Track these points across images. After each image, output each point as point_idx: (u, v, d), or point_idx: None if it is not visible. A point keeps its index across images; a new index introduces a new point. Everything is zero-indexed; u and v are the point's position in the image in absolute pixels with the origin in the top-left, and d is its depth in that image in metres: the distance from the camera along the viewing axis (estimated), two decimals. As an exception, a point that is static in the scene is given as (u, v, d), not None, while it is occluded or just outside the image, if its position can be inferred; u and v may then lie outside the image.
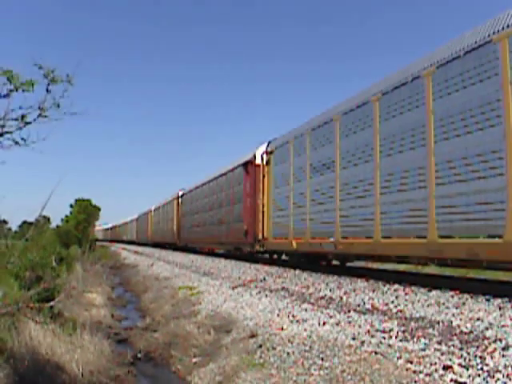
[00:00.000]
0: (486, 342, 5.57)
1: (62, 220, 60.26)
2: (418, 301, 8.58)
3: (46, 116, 5.66)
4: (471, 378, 4.55)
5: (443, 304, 8.06)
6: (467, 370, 4.75)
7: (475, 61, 8.99)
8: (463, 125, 9.17)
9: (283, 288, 11.88)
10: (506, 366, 4.68)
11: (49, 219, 47.11)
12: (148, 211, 57.89)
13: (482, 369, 4.71)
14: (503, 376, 4.47)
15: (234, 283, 13.93)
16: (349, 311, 8.30)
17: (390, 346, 5.93)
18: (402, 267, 16.72)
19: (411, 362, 5.20)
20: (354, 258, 14.57)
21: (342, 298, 9.69)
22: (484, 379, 4.48)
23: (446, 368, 4.86)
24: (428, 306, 8.07)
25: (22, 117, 5.64)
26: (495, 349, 5.24)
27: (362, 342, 6.25)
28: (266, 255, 20.95)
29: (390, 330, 6.65)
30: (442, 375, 4.73)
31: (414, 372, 4.93)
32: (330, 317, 8.01)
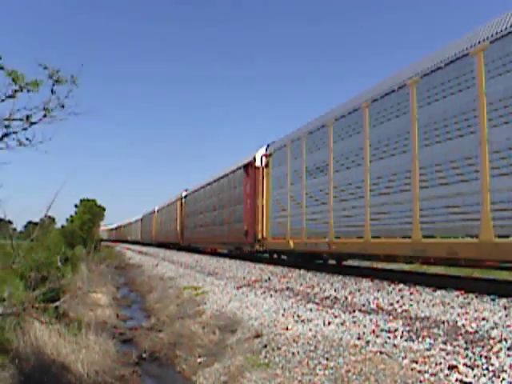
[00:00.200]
0: (491, 341, 5.56)
1: (67, 220, 60.34)
2: (423, 301, 8.56)
3: (53, 116, 5.68)
4: (476, 378, 4.54)
5: (448, 304, 8.04)
6: (472, 369, 4.75)
7: (455, 72, 9.59)
8: (444, 132, 9.75)
9: (288, 288, 11.88)
10: (511, 366, 4.67)
11: (54, 219, 47.19)
12: (152, 211, 57.98)
13: (487, 369, 4.71)
14: (509, 376, 4.47)
15: (238, 283, 13.93)
16: (354, 311, 8.29)
17: (395, 345, 5.93)
18: (406, 267, 16.70)
19: (416, 362, 5.20)
20: (347, 256, 15.24)
21: (346, 298, 9.68)
22: (489, 379, 4.48)
23: (451, 368, 4.86)
24: (433, 305, 8.06)
25: (27, 117, 5.66)
26: (500, 349, 5.23)
27: (367, 342, 6.25)
28: (266, 255, 21.38)
29: (395, 330, 6.64)
30: (447, 375, 4.72)
31: (420, 372, 4.93)
32: (335, 317, 8.00)
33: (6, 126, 5.61)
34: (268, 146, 20.08)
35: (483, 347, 5.38)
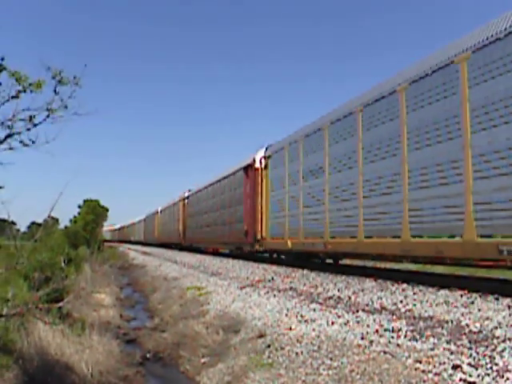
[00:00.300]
0: (495, 341, 5.55)
1: (71, 221, 60.39)
2: (427, 300, 8.55)
3: (57, 116, 5.69)
4: (480, 378, 4.53)
5: (452, 303, 8.03)
6: (476, 369, 4.74)
7: (441, 79, 10.09)
8: (431, 136, 10.25)
9: (291, 288, 11.88)
10: (515, 366, 4.67)
11: (57, 220, 47.24)
12: (155, 212, 58.18)
13: (491, 368, 4.70)
14: (513, 375, 4.46)
15: (242, 283, 13.93)
16: (357, 311, 8.29)
17: (398, 345, 5.92)
18: (410, 267, 16.69)
19: (420, 362, 5.19)
20: (342, 256, 15.77)
21: (350, 298, 9.67)
22: (493, 379, 4.47)
23: (455, 367, 4.85)
24: (437, 305, 8.05)
25: (31, 118, 5.67)
26: (505, 348, 5.22)
27: (371, 342, 6.25)
28: (266, 254, 21.83)
29: (399, 330, 6.63)
30: (451, 375, 4.72)
31: (423, 372, 4.92)
32: (339, 316, 8.00)
33: (10, 127, 5.62)
34: (267, 147, 20.59)
35: (487, 347, 5.37)
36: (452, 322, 6.76)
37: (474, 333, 6.04)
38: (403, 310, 8.01)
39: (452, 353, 5.32)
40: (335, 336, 6.87)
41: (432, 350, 5.53)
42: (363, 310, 8.29)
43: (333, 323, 7.60)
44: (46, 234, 22.73)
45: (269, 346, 7.26)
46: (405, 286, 10.58)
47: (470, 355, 5.15)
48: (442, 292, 9.31)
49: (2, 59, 5.29)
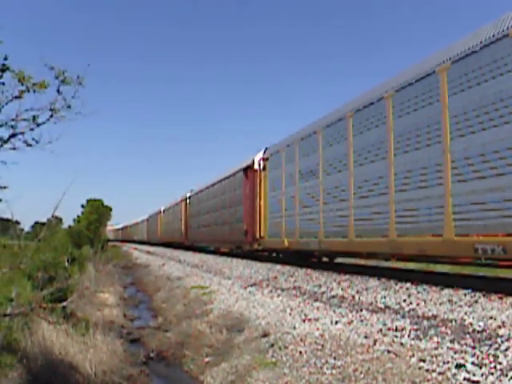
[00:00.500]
0: (498, 340, 5.54)
1: (74, 220, 60.47)
2: (430, 299, 8.54)
3: (59, 116, 5.69)
4: (484, 377, 4.53)
5: (455, 302, 8.02)
6: (480, 368, 4.74)
7: (423, 88, 10.68)
8: (415, 142, 10.84)
9: (295, 287, 11.88)
10: (519, 365, 4.66)
11: (61, 220, 47.30)
12: (158, 212, 58.25)
13: (495, 367, 4.70)
14: (517, 374, 4.46)
15: (245, 282, 13.94)
16: (361, 310, 8.29)
17: (402, 344, 5.92)
18: (413, 266, 16.68)
19: (424, 361, 5.19)
20: (335, 254, 16.55)
21: (353, 297, 9.67)
22: (497, 378, 4.46)
23: (458, 366, 4.85)
24: (440, 304, 8.04)
25: (34, 118, 5.67)
26: (508, 347, 5.22)
27: (375, 341, 6.24)
28: (265, 253, 22.44)
29: (403, 329, 6.63)
30: (454, 374, 4.71)
31: (427, 371, 4.92)
32: (342, 316, 8.00)
33: (13, 127, 5.63)
34: (266, 149, 21.15)
35: (491, 346, 5.37)
36: (456, 321, 6.76)
37: (478, 332, 6.04)
38: (407, 309, 8.01)
39: (456, 352, 5.32)
40: (339, 335, 6.87)
41: (436, 349, 5.53)
42: (367, 309, 8.29)
43: (336, 322, 7.60)
44: (50, 234, 22.75)
45: (272, 346, 7.26)
46: (408, 285, 10.57)
47: (474, 354, 5.15)
48: (446, 291, 9.30)
49: (5, 59, 5.30)
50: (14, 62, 5.37)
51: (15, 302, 7.99)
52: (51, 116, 5.73)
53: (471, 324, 6.48)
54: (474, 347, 5.40)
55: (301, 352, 6.60)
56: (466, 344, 5.56)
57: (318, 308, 8.93)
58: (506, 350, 5.15)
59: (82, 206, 60.33)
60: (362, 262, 18.20)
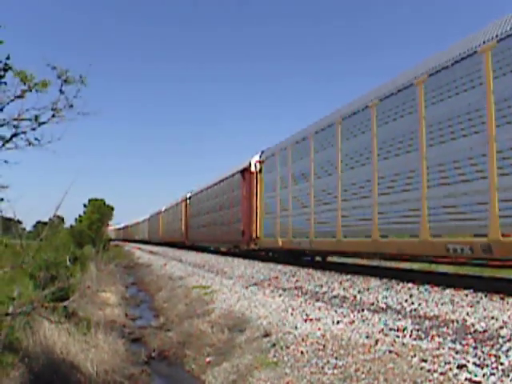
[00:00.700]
0: (500, 340, 5.54)
1: (76, 220, 60.56)
2: (432, 299, 8.55)
3: (61, 116, 5.70)
4: (486, 377, 4.53)
5: (457, 303, 8.02)
6: (482, 369, 4.73)
7: (403, 98, 11.42)
8: (396, 148, 11.54)
9: (296, 287, 11.88)
10: (521, 365, 4.66)
11: (63, 219, 47.34)
12: (159, 211, 58.53)
13: (496, 368, 4.69)
14: (518, 375, 4.45)
15: (247, 282, 13.95)
16: (362, 310, 8.29)
17: (404, 344, 5.92)
18: (415, 266, 16.69)
19: (425, 361, 5.19)
20: (325, 253, 17.74)
21: (355, 297, 9.67)
22: (499, 378, 4.46)
23: (460, 367, 4.84)
24: (442, 304, 8.04)
25: (36, 117, 5.68)
26: (510, 348, 5.22)
27: (376, 341, 6.24)
28: (262, 253, 23.17)
29: (404, 329, 6.63)
30: (456, 374, 4.71)
31: (429, 371, 4.92)
32: (344, 316, 8.00)
33: (15, 126, 5.63)
34: (262, 152, 22.10)
35: (492, 346, 5.36)
36: (457, 321, 6.76)
37: (480, 332, 6.03)
38: (408, 309, 8.00)
39: (457, 352, 5.31)
40: (340, 335, 6.87)
41: (437, 349, 5.53)
42: (368, 309, 8.29)
43: (338, 322, 7.60)
44: (52, 233, 22.78)
45: (274, 345, 7.26)
46: (410, 285, 10.58)
47: (476, 355, 5.14)
48: (448, 291, 9.30)
49: (8, 58, 5.30)
50: (14, 61, 5.38)
51: (17, 302, 7.98)
52: (53, 116, 5.74)
53: (473, 324, 6.47)
54: (475, 347, 5.40)
55: (302, 352, 6.60)
56: (467, 344, 5.55)
57: (319, 308, 8.93)
58: (508, 350, 5.15)
59: (84, 206, 60.44)
60: (363, 262, 18.26)
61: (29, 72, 5.38)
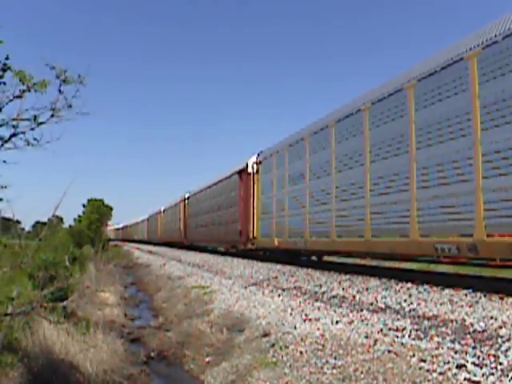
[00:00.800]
0: (499, 340, 5.54)
1: (75, 220, 60.47)
2: (431, 299, 8.55)
3: (60, 116, 5.69)
4: (485, 377, 4.53)
5: (456, 303, 8.02)
6: (481, 368, 4.74)
7: (394, 102, 11.75)
8: (387, 151, 11.87)
9: (296, 287, 11.88)
10: (520, 365, 4.66)
11: (62, 219, 47.34)
12: (158, 212, 58.73)
13: (495, 368, 4.70)
14: (517, 375, 4.45)
15: (246, 282, 13.95)
16: (361, 310, 8.29)
17: (403, 344, 5.92)
18: (414, 266, 16.70)
19: (424, 361, 5.19)
20: (320, 253, 18.03)
21: (354, 297, 9.67)
22: (498, 378, 4.46)
23: (459, 367, 4.85)
24: (441, 304, 8.04)
25: (35, 117, 5.67)
26: (509, 347, 5.22)
27: (375, 341, 6.24)
28: (260, 252, 23.50)
29: (403, 329, 6.63)
30: (455, 374, 4.71)
31: (428, 371, 4.92)
32: (343, 315, 8.00)
33: (14, 126, 5.62)
34: (259, 154, 22.47)
35: (491, 346, 5.37)
36: (456, 321, 6.76)
37: (479, 332, 6.04)
38: (407, 309, 8.01)
39: (456, 352, 5.32)
40: (339, 335, 6.87)
41: (436, 349, 5.53)
42: (367, 309, 8.29)
43: (337, 322, 7.60)
44: (51, 233, 22.79)
45: (273, 345, 7.27)
46: (409, 285, 10.58)
47: (475, 354, 5.15)
48: (447, 291, 9.30)
49: (7, 58, 5.30)
50: (14, 61, 5.37)
51: (16, 302, 7.98)
52: (52, 116, 5.73)
53: (472, 324, 6.48)
54: (474, 347, 5.40)
55: (301, 352, 6.60)
56: (466, 344, 5.56)
57: (318, 308, 8.93)
58: (507, 350, 5.15)
59: (83, 206, 60.31)
60: (362, 261, 18.27)
61: (28, 72, 5.37)
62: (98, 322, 10.90)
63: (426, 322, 6.88)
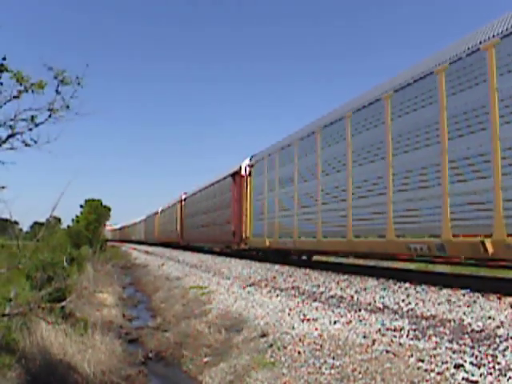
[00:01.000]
0: (497, 340, 5.55)
1: (73, 220, 60.39)
2: (429, 299, 8.55)
3: (58, 116, 5.69)
4: (483, 377, 4.53)
5: (454, 302, 8.03)
6: (479, 368, 4.74)
7: (373, 111, 12.51)
8: (367, 156, 12.64)
9: (294, 287, 11.88)
10: (518, 365, 4.66)
11: (59, 220, 47.29)
12: (155, 212, 58.95)
13: (493, 367, 4.70)
14: (515, 374, 4.46)
15: (244, 282, 13.94)
16: (359, 310, 8.29)
17: (401, 344, 5.92)
18: (412, 266, 16.72)
19: (422, 361, 5.19)
20: (308, 253, 18.88)
21: (352, 297, 9.68)
22: (496, 378, 4.47)
23: (457, 367, 4.85)
24: (439, 304, 8.05)
25: (32, 118, 5.67)
26: (507, 347, 5.23)
27: (373, 341, 6.24)
28: (253, 252, 24.24)
29: (401, 329, 6.63)
30: (453, 374, 4.71)
31: (426, 371, 4.92)
32: (341, 316, 8.00)
33: (12, 127, 5.62)
34: (251, 157, 23.22)
35: (489, 346, 5.37)
36: (454, 321, 6.77)
37: (477, 332, 6.04)
38: (405, 309, 8.01)
39: (454, 352, 5.32)
40: (338, 335, 6.87)
41: (434, 349, 5.53)
42: (365, 309, 8.29)
43: (335, 322, 7.60)
44: (49, 234, 22.75)
45: (271, 346, 7.26)
46: (407, 285, 10.59)
47: (473, 354, 5.15)
48: (445, 291, 9.31)
49: (4, 59, 5.29)
50: (14, 61, 5.36)
51: (14, 302, 7.98)
52: (50, 116, 5.73)
53: (470, 324, 6.48)
54: (472, 347, 5.40)
55: (299, 352, 6.60)
56: (464, 344, 5.56)
57: (316, 308, 8.93)
58: (505, 349, 5.16)
59: (81, 206, 60.23)
60: (360, 262, 18.30)
61: (25, 73, 5.37)
62: (96, 323, 10.89)
63: (423, 322, 6.88)
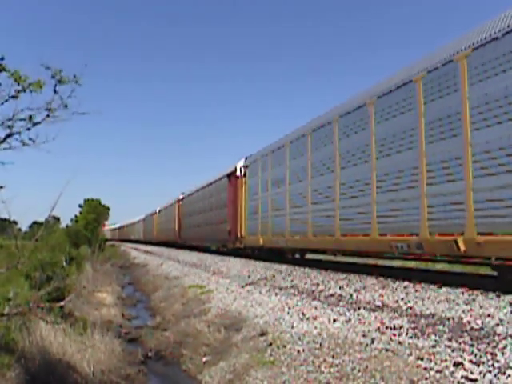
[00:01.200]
0: (496, 338, 5.55)
1: (72, 220, 60.42)
2: (428, 298, 8.55)
3: (56, 116, 5.68)
4: (482, 375, 4.53)
5: (453, 301, 8.03)
6: (478, 366, 4.74)
7: (358, 116, 13.12)
8: (352, 159, 13.25)
9: (293, 286, 11.88)
10: (517, 363, 4.66)
11: (58, 219, 47.31)
12: (154, 212, 59.04)
13: (492, 365, 4.70)
14: (514, 372, 4.46)
15: (243, 281, 13.94)
16: (359, 308, 8.29)
17: (400, 343, 5.92)
18: (411, 264, 16.72)
19: (422, 359, 5.19)
20: (300, 251, 19.26)
21: (351, 296, 9.67)
22: (495, 376, 4.47)
23: (456, 365, 4.85)
24: (438, 302, 8.05)
25: (30, 117, 5.66)
26: (506, 345, 5.22)
27: (373, 340, 6.25)
28: (248, 251, 24.38)
29: (401, 327, 6.63)
30: (452, 372, 4.72)
31: (425, 369, 4.93)
32: (340, 314, 8.00)
33: (10, 127, 5.61)
34: (246, 158, 23.80)
35: (488, 344, 5.37)
36: (453, 319, 6.76)
37: (476, 330, 6.04)
38: (405, 307, 8.01)
39: (453, 350, 5.32)
40: (337, 333, 6.87)
41: (434, 347, 5.53)
42: (365, 308, 8.29)
43: (334, 321, 7.60)
44: (48, 234, 22.76)
45: (270, 344, 7.26)
46: (406, 283, 10.58)
47: (472, 352, 5.15)
48: (444, 289, 9.31)
49: (2, 59, 5.28)
50: (14, 61, 5.35)
51: (13, 302, 7.96)
52: (48, 116, 5.72)
53: (469, 322, 6.48)
54: (471, 345, 5.40)
55: (299, 351, 6.60)
56: (463, 342, 5.56)
57: (315, 307, 8.93)
58: (504, 347, 5.16)
59: (80, 206, 60.28)
60: (359, 260, 18.32)
61: (23, 72, 5.36)
62: (95, 322, 10.89)
63: (423, 321, 6.88)
